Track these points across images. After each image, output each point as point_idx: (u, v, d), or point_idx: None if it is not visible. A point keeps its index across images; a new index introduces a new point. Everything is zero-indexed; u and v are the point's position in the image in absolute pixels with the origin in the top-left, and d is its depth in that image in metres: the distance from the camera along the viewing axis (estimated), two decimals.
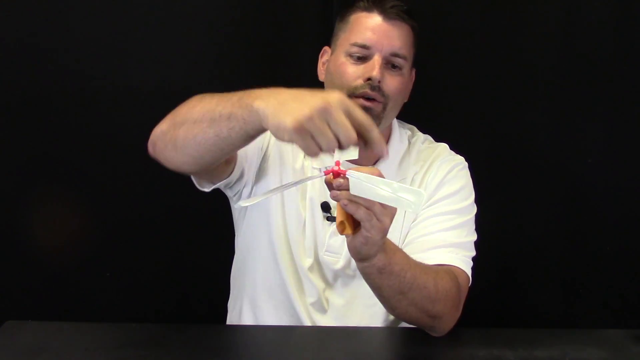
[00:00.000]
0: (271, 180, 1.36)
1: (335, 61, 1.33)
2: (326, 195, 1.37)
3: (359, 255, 1.08)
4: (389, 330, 1.39)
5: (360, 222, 1.01)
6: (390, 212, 1.01)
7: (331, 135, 0.90)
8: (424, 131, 1.49)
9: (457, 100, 1.80)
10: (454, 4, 1.76)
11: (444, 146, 1.43)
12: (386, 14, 1.30)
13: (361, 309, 1.39)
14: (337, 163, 0.98)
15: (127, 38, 1.74)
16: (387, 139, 1.41)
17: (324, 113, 0.89)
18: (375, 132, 0.94)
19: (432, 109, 1.75)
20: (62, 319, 1.40)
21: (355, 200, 0.98)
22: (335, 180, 0.98)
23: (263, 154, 1.36)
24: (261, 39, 1.75)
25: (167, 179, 1.78)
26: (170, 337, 1.26)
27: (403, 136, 1.43)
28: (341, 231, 1.03)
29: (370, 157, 1.37)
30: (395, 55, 1.30)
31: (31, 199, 1.78)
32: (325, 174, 1.00)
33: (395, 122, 1.42)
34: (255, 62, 1.77)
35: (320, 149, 0.91)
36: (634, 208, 1.81)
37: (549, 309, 1.86)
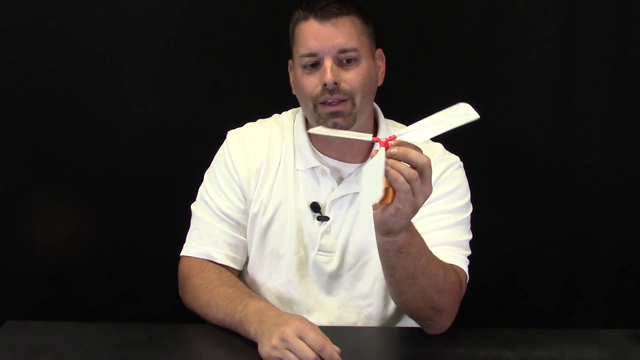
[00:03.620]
0: (260, 193, 1.40)
1: (296, 76, 1.36)
2: (315, 196, 1.38)
3: (385, 227, 1.11)
4: (388, 330, 1.39)
5: (394, 196, 1.06)
6: (426, 192, 1.07)
7: (294, 357, 1.11)
8: None
9: (456, 99, 1.79)
10: (454, 3, 1.76)
11: (438, 145, 1.42)
12: (321, 16, 1.30)
13: (356, 309, 1.39)
14: (393, 137, 1.05)
15: (127, 37, 1.74)
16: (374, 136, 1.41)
17: (283, 342, 1.12)
18: (326, 351, 1.11)
19: (430, 108, 1.75)
20: (62, 319, 1.40)
21: (398, 169, 1.03)
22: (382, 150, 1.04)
23: (244, 197, 1.41)
24: (260, 38, 1.76)
25: (167, 180, 1.79)
26: (170, 337, 1.26)
27: (392, 134, 1.43)
28: (382, 199, 1.06)
29: (357, 151, 1.38)
30: (344, 51, 1.30)
31: (31, 199, 1.78)
32: (373, 140, 1.05)
33: (382, 120, 1.42)
34: (253, 62, 1.77)
35: None
36: (633, 208, 1.81)
37: (548, 308, 1.86)
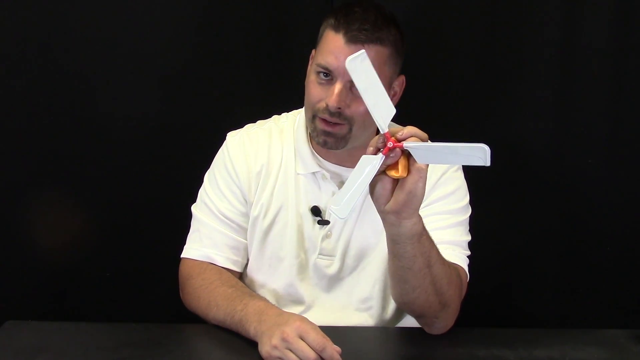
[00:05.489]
0: (260, 196, 1.40)
1: (308, 76, 1.33)
2: (315, 200, 1.38)
3: (415, 199, 1.07)
4: (388, 330, 1.39)
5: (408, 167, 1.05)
6: None
7: (294, 357, 1.11)
8: None
9: (455, 100, 1.80)
10: (454, 3, 1.76)
11: None
12: (350, 36, 1.25)
13: (356, 312, 1.39)
14: (387, 135, 1.03)
15: (127, 38, 1.74)
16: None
17: (284, 342, 1.12)
18: (327, 351, 1.11)
19: (430, 110, 1.75)
20: (62, 319, 1.40)
21: (413, 134, 1.04)
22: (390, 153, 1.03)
23: (245, 200, 1.40)
24: (260, 38, 1.76)
25: (167, 179, 1.79)
26: (170, 337, 1.26)
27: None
28: (400, 174, 1.04)
29: (357, 157, 1.37)
30: None
31: (31, 199, 1.78)
32: (384, 154, 1.03)
33: None
34: (253, 62, 1.77)
35: None
36: (633, 208, 1.81)
37: (548, 309, 1.86)
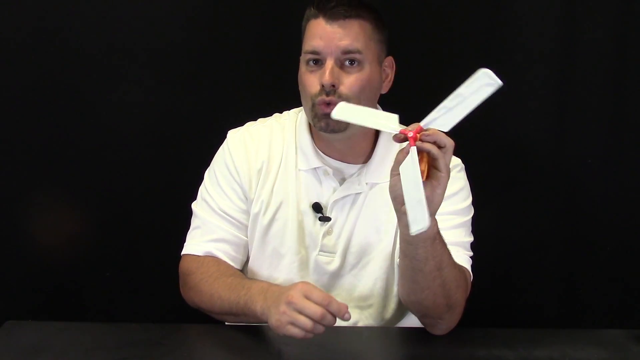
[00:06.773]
0: (261, 193, 1.40)
1: (299, 72, 1.36)
2: (317, 196, 1.38)
3: (432, 205, 1.10)
4: (388, 330, 1.39)
5: (428, 171, 1.08)
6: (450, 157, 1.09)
7: (303, 318, 1.11)
8: None
9: None
10: (453, 3, 1.76)
11: None
12: (329, 16, 1.30)
13: (357, 310, 1.39)
14: (419, 129, 1.05)
15: (126, 37, 1.74)
16: (375, 137, 1.41)
17: (290, 305, 1.12)
18: (333, 305, 1.11)
19: (429, 109, 1.75)
20: (62, 319, 1.40)
21: (433, 139, 1.06)
22: (405, 148, 1.07)
23: (245, 197, 1.41)
24: (260, 37, 1.76)
25: (167, 179, 1.79)
26: (170, 337, 1.26)
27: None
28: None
29: (359, 153, 1.38)
30: (347, 52, 1.30)
31: (31, 199, 1.78)
32: (400, 132, 1.06)
33: None
34: (254, 61, 1.77)
35: (306, 329, 1.11)
36: (633, 208, 1.81)
37: (548, 309, 1.86)
